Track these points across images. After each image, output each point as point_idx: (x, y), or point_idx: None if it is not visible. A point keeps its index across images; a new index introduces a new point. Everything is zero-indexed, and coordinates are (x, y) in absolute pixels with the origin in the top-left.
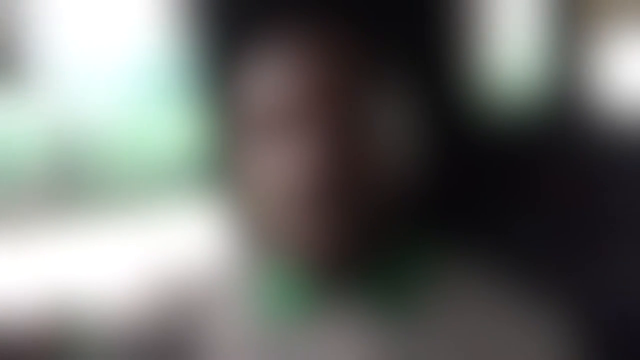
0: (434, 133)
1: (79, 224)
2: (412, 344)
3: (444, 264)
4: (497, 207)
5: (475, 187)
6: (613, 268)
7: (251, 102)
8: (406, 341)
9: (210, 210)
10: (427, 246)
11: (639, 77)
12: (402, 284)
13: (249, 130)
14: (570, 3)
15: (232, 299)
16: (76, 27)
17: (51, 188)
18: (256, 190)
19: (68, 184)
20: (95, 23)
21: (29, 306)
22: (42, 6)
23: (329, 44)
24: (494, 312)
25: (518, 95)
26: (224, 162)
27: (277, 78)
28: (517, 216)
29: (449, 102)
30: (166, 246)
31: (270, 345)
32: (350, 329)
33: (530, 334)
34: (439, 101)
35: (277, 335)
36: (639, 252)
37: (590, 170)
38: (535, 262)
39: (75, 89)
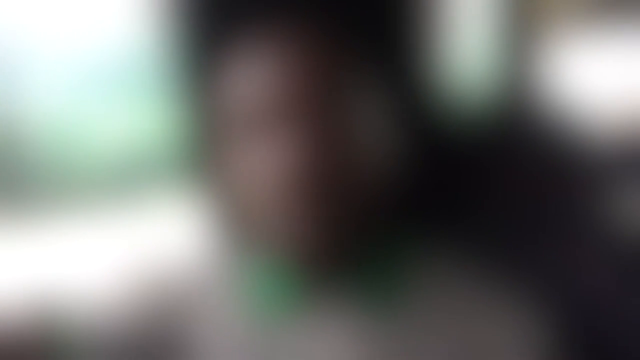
0: (410, 129)
1: (62, 221)
2: (399, 338)
3: (429, 259)
4: (478, 202)
5: (455, 182)
6: (590, 261)
7: (233, 97)
8: (393, 336)
9: (195, 206)
10: (412, 241)
11: (594, 77)
12: (388, 279)
13: (233, 126)
14: (528, 6)
15: (219, 296)
16: (54, 21)
17: (31, 183)
18: (241, 186)
19: (50, 180)
20: (74, 15)
21: (8, 305)
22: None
23: (310, 41)
24: (480, 307)
25: (484, 91)
26: (207, 158)
27: (258, 74)
28: (497, 212)
29: (422, 101)
30: (151, 243)
31: (256, 342)
32: (336, 324)
33: (515, 327)
34: (412, 99)
35: (263, 332)
36: (608, 246)
37: (558, 164)
38: (518, 256)
39: (58, 84)
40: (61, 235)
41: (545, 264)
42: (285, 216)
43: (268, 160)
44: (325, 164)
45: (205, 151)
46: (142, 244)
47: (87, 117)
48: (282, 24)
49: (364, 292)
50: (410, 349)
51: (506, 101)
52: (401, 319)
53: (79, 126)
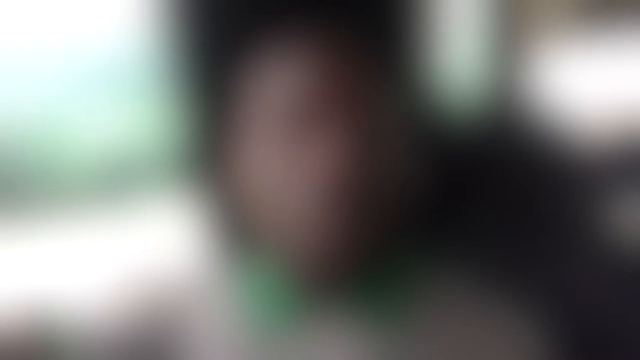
0: (422, 138)
1: (62, 224)
2: (402, 351)
3: (433, 271)
4: (483, 214)
5: (458, 193)
6: (592, 269)
7: (249, 102)
8: (396, 348)
9: (200, 212)
10: (416, 253)
11: (581, 80)
12: (392, 291)
13: (243, 131)
14: (523, 11)
15: (219, 304)
16: (66, 20)
17: (30, 186)
18: (249, 192)
19: (52, 183)
20: (88, 14)
21: (3, 310)
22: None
23: (329, 45)
24: (483, 320)
25: (481, 97)
26: (216, 163)
27: (275, 78)
28: (499, 221)
29: (425, 107)
30: (152, 249)
31: (255, 350)
32: (339, 335)
33: (520, 339)
34: (418, 105)
35: (263, 341)
36: (608, 254)
37: (557, 171)
38: (521, 266)
39: (66, 86)
40: (60, 239)
41: (549, 274)
42: (294, 223)
43: (280, 167)
44: (340, 173)
45: (214, 156)
46: (144, 250)
47: (91, 120)
48: (302, 27)
49: (367, 304)
50: None
51: (507, 108)
52: (405, 332)
53: (80, 128)
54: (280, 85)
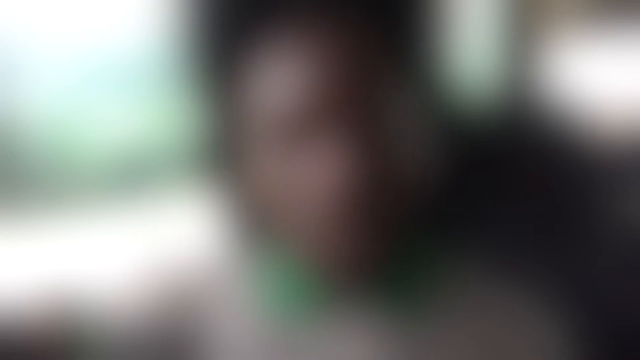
0: (437, 134)
1: (81, 217)
2: (421, 345)
3: (454, 266)
4: (502, 207)
5: (479, 188)
6: (611, 263)
7: (260, 99)
8: (415, 342)
9: (218, 207)
10: (436, 246)
11: (595, 74)
12: (413, 286)
13: (259, 127)
14: (536, 8)
15: (238, 296)
16: (74, 20)
17: (51, 181)
18: (266, 189)
19: (70, 178)
20: (103, 15)
21: (26, 303)
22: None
23: (339, 41)
24: (505, 314)
25: (496, 93)
26: (232, 159)
27: (286, 76)
28: (518, 215)
29: (440, 103)
30: (171, 243)
31: (275, 343)
32: (357, 329)
33: (540, 334)
34: (432, 103)
35: (281, 334)
36: (623, 248)
37: (575, 166)
38: (540, 260)
39: (78, 83)
40: (81, 233)
41: (568, 267)
42: (316, 220)
43: (300, 165)
44: (356, 170)
45: (230, 152)
46: (165, 243)
47: (108, 117)
48: (310, 25)
49: (386, 298)
50: (433, 357)
51: (522, 103)
52: (425, 327)
53: (100, 125)
54: (293, 81)
